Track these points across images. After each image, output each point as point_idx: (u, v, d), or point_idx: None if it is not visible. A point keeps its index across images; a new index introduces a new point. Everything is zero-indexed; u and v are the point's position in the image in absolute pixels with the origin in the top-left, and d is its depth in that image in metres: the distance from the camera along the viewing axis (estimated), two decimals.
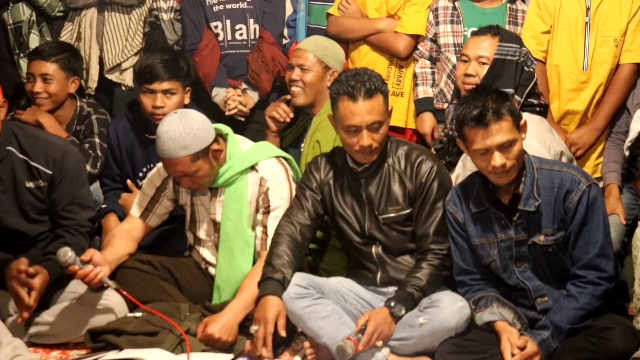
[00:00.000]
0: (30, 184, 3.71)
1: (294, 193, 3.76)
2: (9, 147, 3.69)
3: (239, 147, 3.78)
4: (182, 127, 3.58)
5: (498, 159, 3.23)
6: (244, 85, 4.75)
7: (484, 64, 3.82)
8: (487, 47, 3.83)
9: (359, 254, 3.68)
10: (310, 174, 3.70)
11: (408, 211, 3.58)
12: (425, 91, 4.49)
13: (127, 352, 3.42)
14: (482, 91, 3.34)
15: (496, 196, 3.36)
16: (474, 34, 3.96)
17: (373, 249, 3.65)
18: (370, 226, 3.62)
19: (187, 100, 4.29)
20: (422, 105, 4.46)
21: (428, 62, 4.54)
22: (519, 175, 3.31)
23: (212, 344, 3.49)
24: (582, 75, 4.29)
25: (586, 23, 4.31)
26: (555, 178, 3.30)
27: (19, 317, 3.48)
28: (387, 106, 3.54)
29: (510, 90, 3.80)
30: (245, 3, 4.78)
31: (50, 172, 3.71)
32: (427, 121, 4.43)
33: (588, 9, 4.31)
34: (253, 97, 4.74)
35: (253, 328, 3.44)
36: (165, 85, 4.19)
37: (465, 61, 3.88)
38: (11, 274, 3.46)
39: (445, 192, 3.55)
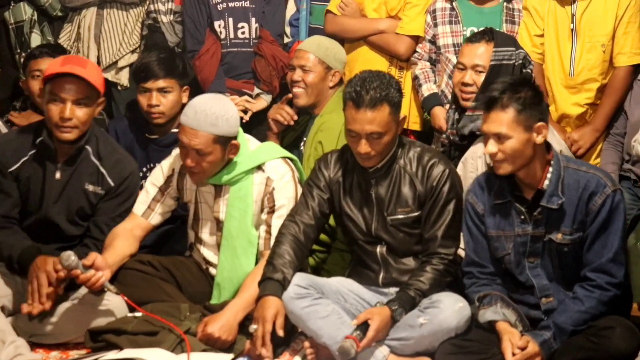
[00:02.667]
0: (89, 187, 3.80)
1: (299, 194, 3.75)
2: (87, 146, 3.79)
3: (247, 146, 3.78)
4: (218, 108, 3.62)
5: (490, 146, 3.29)
6: (256, 90, 4.77)
7: (480, 72, 3.83)
8: (482, 54, 3.85)
9: (363, 252, 3.67)
10: (319, 172, 3.68)
11: (417, 214, 3.57)
12: (429, 88, 4.47)
13: (127, 352, 3.42)
14: (504, 82, 3.35)
15: (519, 190, 3.36)
16: (468, 40, 3.96)
17: (378, 249, 3.63)
18: (377, 227, 3.60)
19: (184, 99, 4.30)
20: (430, 102, 4.44)
21: (427, 64, 4.54)
22: (544, 172, 3.32)
23: (212, 343, 3.49)
24: (570, 80, 4.32)
25: (572, 30, 4.32)
26: (581, 178, 3.30)
27: (26, 309, 3.48)
28: (396, 116, 3.50)
29: None
30: (247, 2, 4.80)
31: (112, 184, 3.81)
32: (440, 115, 4.36)
33: (573, 15, 4.32)
34: (267, 99, 4.77)
35: (252, 327, 3.44)
36: (160, 83, 4.23)
37: (462, 69, 3.89)
38: (44, 266, 3.50)
39: (456, 195, 3.54)
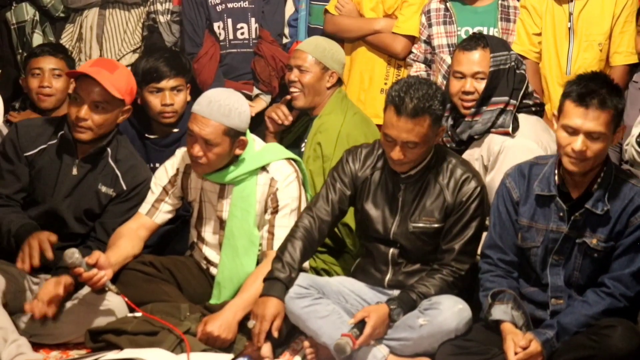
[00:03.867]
0: (102, 188, 3.83)
1: (303, 195, 3.77)
2: (108, 148, 3.83)
3: (253, 147, 3.79)
4: (233, 101, 3.64)
5: (580, 143, 3.18)
6: (255, 91, 4.77)
7: (481, 79, 3.81)
8: (480, 61, 3.81)
9: (375, 250, 3.65)
10: (346, 164, 3.66)
11: (440, 225, 3.54)
12: None
13: (127, 352, 3.42)
14: (599, 77, 3.28)
15: (566, 187, 3.33)
16: (462, 48, 3.89)
17: (390, 251, 3.61)
18: (396, 230, 3.58)
19: (188, 97, 4.32)
20: None
21: (423, 66, 4.54)
22: (595, 175, 3.28)
23: (211, 342, 3.49)
24: (567, 79, 4.21)
25: (569, 28, 4.31)
26: (628, 190, 3.28)
27: (30, 307, 3.47)
28: (435, 128, 3.44)
29: (506, 98, 3.79)
30: (246, 2, 4.80)
31: (125, 188, 3.84)
32: None
33: (571, 14, 4.32)
34: (266, 100, 4.77)
35: (250, 322, 3.45)
36: (172, 82, 4.26)
37: (460, 77, 3.85)
38: (39, 235, 3.54)
39: (482, 213, 3.52)
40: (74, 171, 3.81)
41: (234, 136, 3.64)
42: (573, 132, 3.20)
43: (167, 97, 4.24)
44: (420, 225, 3.55)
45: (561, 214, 3.31)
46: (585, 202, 3.28)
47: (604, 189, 3.27)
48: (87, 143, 3.79)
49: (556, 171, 3.33)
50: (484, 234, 3.57)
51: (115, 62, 4.05)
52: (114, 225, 3.81)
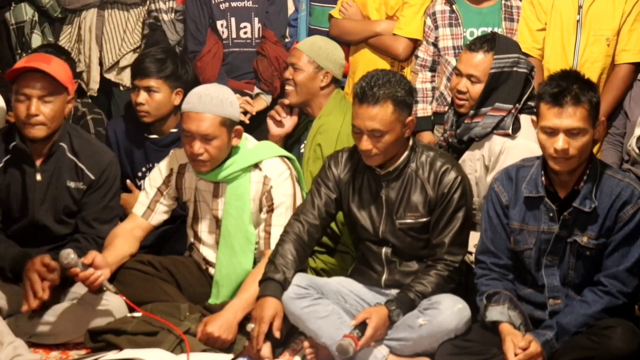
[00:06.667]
0: (71, 184, 3.80)
1: (297, 192, 3.77)
2: (61, 143, 3.78)
3: (246, 144, 3.80)
4: (221, 92, 3.68)
5: (561, 142, 3.19)
6: (256, 90, 4.77)
7: (474, 82, 3.80)
8: (477, 64, 3.81)
9: (368, 252, 3.66)
10: (328, 170, 3.68)
11: (426, 219, 3.55)
12: (424, 109, 4.47)
13: (127, 352, 3.42)
14: (570, 75, 3.29)
15: (553, 187, 3.33)
16: (468, 46, 3.90)
17: (383, 250, 3.62)
18: (384, 229, 3.59)
19: (176, 102, 4.29)
20: (421, 124, 4.40)
21: (429, 75, 4.51)
22: (581, 173, 3.29)
23: (211, 343, 3.49)
24: None
25: (577, 21, 4.30)
26: (615, 186, 3.28)
27: (25, 306, 3.48)
28: (400, 116, 3.46)
29: (510, 106, 3.78)
30: (250, 1, 4.80)
31: (93, 177, 3.80)
32: (426, 140, 4.28)
33: (580, 7, 4.31)
34: (267, 100, 4.77)
35: (249, 326, 3.46)
36: (147, 82, 4.24)
37: (458, 74, 3.87)
38: (34, 266, 3.51)
39: (466, 203, 3.53)
40: (38, 177, 3.77)
41: (230, 126, 3.66)
42: (552, 132, 3.21)
43: (140, 96, 4.24)
44: (407, 221, 3.56)
45: (551, 215, 3.31)
46: (573, 200, 3.28)
47: (590, 186, 3.28)
48: (41, 141, 3.71)
49: (543, 172, 3.34)
50: (478, 234, 3.57)
51: (48, 55, 3.87)
52: (94, 215, 3.80)
